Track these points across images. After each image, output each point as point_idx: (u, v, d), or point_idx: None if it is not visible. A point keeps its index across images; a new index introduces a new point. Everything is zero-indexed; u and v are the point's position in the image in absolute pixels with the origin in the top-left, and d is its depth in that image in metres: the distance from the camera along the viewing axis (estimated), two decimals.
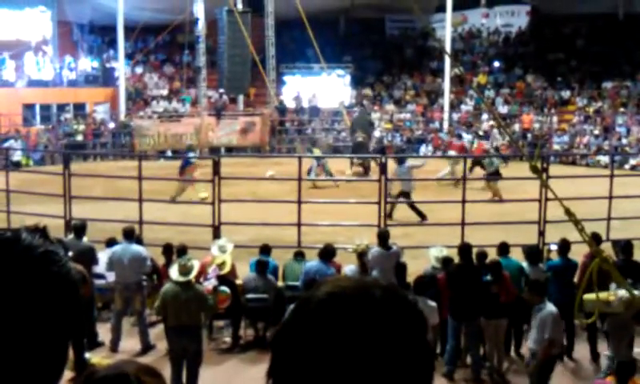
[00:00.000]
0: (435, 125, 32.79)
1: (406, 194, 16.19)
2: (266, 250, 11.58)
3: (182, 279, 8.93)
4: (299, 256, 11.52)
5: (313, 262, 10.99)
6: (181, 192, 17.57)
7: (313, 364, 1.20)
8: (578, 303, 8.17)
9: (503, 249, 10.85)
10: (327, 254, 10.90)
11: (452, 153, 23.82)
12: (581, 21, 36.10)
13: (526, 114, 31.59)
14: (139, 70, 34.65)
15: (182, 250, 10.67)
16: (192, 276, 9.03)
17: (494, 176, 18.19)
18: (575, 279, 10.45)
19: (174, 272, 9.10)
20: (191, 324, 8.96)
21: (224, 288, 10.38)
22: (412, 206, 15.99)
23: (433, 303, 9.11)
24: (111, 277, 11.02)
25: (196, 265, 9.31)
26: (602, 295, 8.47)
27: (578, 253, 10.72)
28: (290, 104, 33.77)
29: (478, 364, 9.81)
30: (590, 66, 33.85)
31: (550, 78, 34.14)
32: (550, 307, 8.56)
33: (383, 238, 11.17)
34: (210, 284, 10.43)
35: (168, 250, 11.29)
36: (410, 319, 1.25)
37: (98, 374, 1.72)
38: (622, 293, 8.27)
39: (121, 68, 31.31)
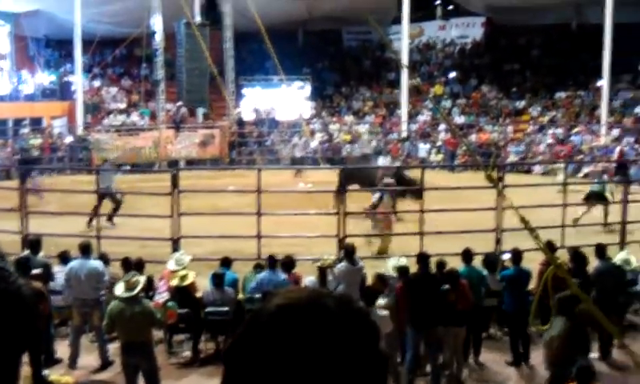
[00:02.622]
0: (394, 136, 33.03)
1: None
2: (226, 262, 11.57)
3: (126, 295, 8.87)
4: (259, 268, 11.51)
5: (264, 272, 10.98)
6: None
7: (266, 377, 1.20)
8: (534, 310, 8.30)
9: (467, 256, 10.95)
10: (287, 265, 10.92)
11: None
12: (535, 32, 36.68)
13: (483, 131, 31.91)
14: (97, 83, 34.36)
15: (140, 264, 10.60)
16: (137, 292, 8.95)
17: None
18: (532, 286, 10.60)
19: (119, 288, 9.03)
20: (141, 340, 8.90)
21: (172, 303, 10.36)
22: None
23: (385, 312, 9.15)
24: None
25: (142, 280, 9.24)
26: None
27: (535, 260, 10.89)
28: (250, 116, 33.76)
29: (437, 372, 9.88)
30: (544, 76, 34.39)
31: (504, 88, 34.62)
32: None
33: (349, 252, 11.18)
34: (160, 298, 10.38)
35: (126, 264, 11.21)
36: (362, 329, 1.26)
37: None
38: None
39: (78, 82, 31.01)
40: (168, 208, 13.54)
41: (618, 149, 26.54)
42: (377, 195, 16.51)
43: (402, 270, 10.42)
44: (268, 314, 1.25)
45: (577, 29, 35.59)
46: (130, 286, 8.91)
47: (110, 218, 16.71)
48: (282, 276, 10.75)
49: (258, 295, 10.60)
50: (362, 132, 32.18)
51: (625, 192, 14.66)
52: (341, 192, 17.08)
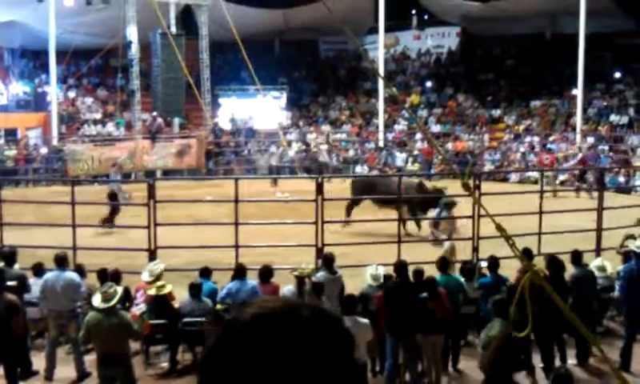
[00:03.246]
0: (370, 145, 33.13)
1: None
2: (205, 272, 11.53)
3: (103, 306, 8.80)
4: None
5: (233, 282, 10.94)
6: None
7: None
8: (512, 317, 8.34)
9: (443, 265, 11.00)
10: (264, 274, 10.90)
11: None
12: (509, 41, 36.98)
13: (459, 140, 32.09)
14: (72, 94, 34.13)
15: (116, 275, 10.53)
16: (114, 303, 8.89)
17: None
18: None
19: (96, 299, 8.97)
20: (117, 351, 8.84)
21: (147, 314, 10.30)
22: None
23: (365, 320, 9.15)
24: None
25: (119, 291, 9.19)
26: None
27: (513, 268, 10.95)
28: (226, 126, 33.72)
29: (416, 380, 9.89)
30: (519, 85, 34.67)
31: (480, 97, 34.86)
32: None
33: (329, 262, 11.16)
34: (138, 309, 10.32)
35: (103, 275, 11.12)
36: (337, 338, 1.26)
37: None
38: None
39: (53, 92, 30.78)
40: (145, 218, 13.46)
41: (579, 156, 26.83)
42: (436, 211, 16.57)
43: (385, 278, 10.47)
44: (243, 323, 1.25)
45: (551, 38, 35.92)
46: (106, 297, 8.84)
47: (104, 222, 17.68)
48: (251, 284, 10.73)
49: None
50: (284, 142, 31.90)
51: (599, 199, 14.79)
52: (353, 205, 17.19)
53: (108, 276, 10.83)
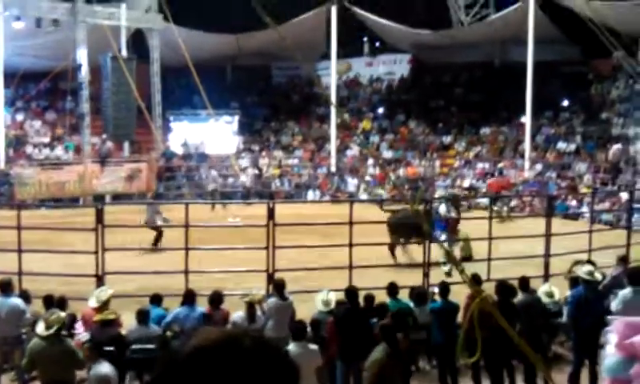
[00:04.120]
0: (323, 170, 33.24)
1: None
2: (155, 299, 11.39)
3: (46, 333, 8.61)
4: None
5: (182, 307, 10.82)
6: None
7: None
8: (461, 343, 8.37)
9: (392, 290, 11.02)
10: (215, 300, 10.79)
11: None
12: (459, 69, 37.54)
13: (410, 166, 32.38)
14: (20, 117, 33.55)
15: (62, 302, 10.32)
16: (54, 330, 8.70)
17: None
18: (459, 319, 10.70)
19: (39, 327, 8.78)
20: (62, 379, 8.64)
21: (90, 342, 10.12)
22: None
23: (314, 346, 9.10)
24: None
25: (62, 317, 9.01)
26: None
27: (464, 293, 11.01)
28: (178, 150, 33.52)
29: None
30: (468, 112, 35.16)
31: (431, 123, 35.25)
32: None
33: (279, 287, 11.09)
34: (82, 337, 10.14)
35: (48, 301, 10.89)
36: (279, 369, 1.25)
37: None
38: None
39: (0, 115, 30.17)
40: (93, 244, 13.25)
41: (492, 180, 27.53)
42: (442, 208, 17.54)
43: (337, 304, 10.48)
44: (185, 355, 1.23)
45: (500, 66, 36.57)
46: (49, 324, 8.65)
47: (154, 243, 18.04)
48: (200, 310, 10.62)
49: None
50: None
51: (547, 225, 15.00)
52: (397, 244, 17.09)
53: (54, 302, 10.63)
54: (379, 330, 8.89)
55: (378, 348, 8.63)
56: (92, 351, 8.42)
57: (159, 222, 18.65)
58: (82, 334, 10.27)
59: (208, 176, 31.95)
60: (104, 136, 30.62)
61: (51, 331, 8.62)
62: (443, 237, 16.36)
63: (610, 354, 4.21)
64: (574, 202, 26.48)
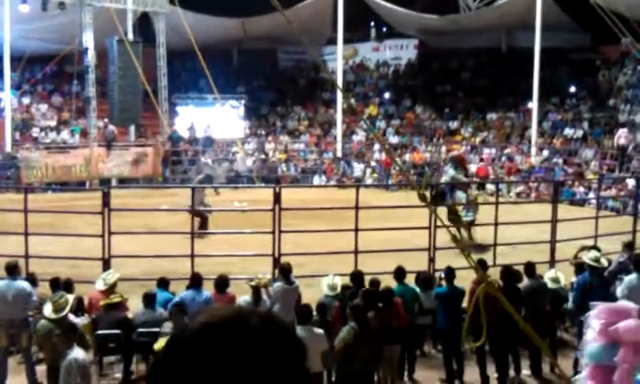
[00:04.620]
0: (329, 155, 33.22)
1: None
2: (162, 283, 11.42)
3: (54, 316, 8.63)
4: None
5: (188, 291, 10.86)
6: None
7: None
8: (466, 327, 8.38)
9: (399, 274, 11.02)
10: (220, 284, 10.82)
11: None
12: (466, 55, 37.43)
13: (417, 151, 32.33)
14: (26, 100, 33.57)
15: (69, 285, 10.36)
16: (65, 312, 8.72)
17: None
18: (465, 304, 10.71)
19: (47, 309, 8.80)
20: None
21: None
22: None
23: (320, 330, 9.13)
24: None
25: (70, 300, 9.03)
26: None
27: (469, 278, 11.01)
28: (184, 134, 33.50)
29: None
30: (475, 97, 35.06)
31: (437, 109, 35.17)
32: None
33: (286, 272, 11.11)
34: (85, 319, 10.18)
35: (55, 284, 10.94)
36: (286, 347, 1.25)
37: None
38: None
39: (7, 98, 30.22)
40: (99, 227, 13.28)
41: (479, 164, 27.60)
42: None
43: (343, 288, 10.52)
44: (191, 332, 1.24)
45: (507, 52, 36.44)
46: (57, 307, 8.68)
47: (200, 232, 16.65)
48: (206, 294, 10.66)
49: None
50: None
51: (553, 211, 14.98)
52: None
53: (60, 285, 10.68)
54: (349, 309, 9.14)
55: (346, 327, 8.88)
56: (66, 337, 8.36)
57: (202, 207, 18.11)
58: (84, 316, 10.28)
59: (224, 161, 31.87)
60: (106, 120, 30.57)
61: (61, 315, 8.65)
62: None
63: (592, 340, 4.19)
64: (580, 189, 26.41)
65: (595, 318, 4.31)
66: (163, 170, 30.74)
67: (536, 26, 29.49)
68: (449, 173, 18.44)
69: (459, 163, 18.98)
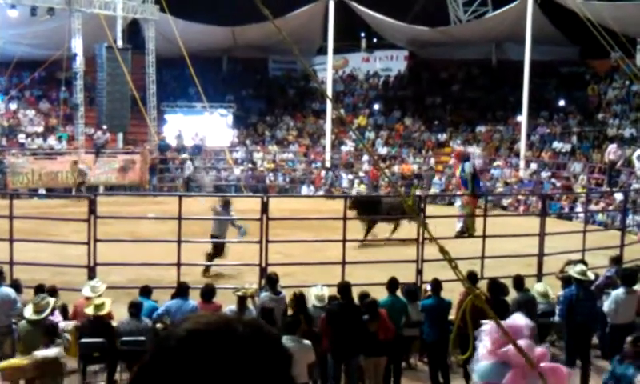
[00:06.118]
0: (317, 165, 33.20)
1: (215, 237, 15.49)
2: (145, 291, 11.34)
3: (34, 318, 8.57)
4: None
5: (174, 300, 10.80)
6: None
7: None
8: (453, 340, 8.32)
9: (392, 285, 10.97)
10: (207, 294, 10.75)
11: None
12: (456, 67, 37.58)
13: (405, 163, 32.35)
14: (14, 106, 33.41)
15: (53, 292, 10.27)
16: (46, 314, 8.66)
17: None
18: (452, 316, 10.67)
19: (27, 310, 8.74)
20: None
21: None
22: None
23: (307, 341, 9.08)
24: None
25: (51, 302, 8.96)
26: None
27: (457, 291, 10.97)
28: (172, 142, 33.41)
29: None
30: (464, 110, 35.16)
31: (427, 120, 35.23)
32: None
33: (272, 282, 11.07)
34: (66, 326, 10.08)
35: (39, 291, 10.83)
36: (272, 355, 1.22)
37: None
38: None
39: None
40: (85, 234, 13.18)
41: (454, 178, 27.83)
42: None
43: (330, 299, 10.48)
44: (176, 339, 1.21)
45: (497, 65, 36.61)
46: (38, 309, 8.61)
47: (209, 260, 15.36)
48: (192, 304, 10.60)
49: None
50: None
51: (541, 224, 14.98)
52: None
53: (45, 292, 10.57)
54: (283, 324, 9.31)
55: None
56: (47, 338, 8.28)
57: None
58: (62, 322, 10.18)
59: (212, 169, 31.80)
60: (104, 127, 30.42)
61: (41, 316, 8.58)
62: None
63: (482, 357, 4.12)
64: (568, 202, 26.48)
65: (487, 335, 4.21)
66: (150, 177, 30.62)
67: (526, 39, 29.61)
68: (466, 166, 19.49)
69: (467, 159, 20.16)
